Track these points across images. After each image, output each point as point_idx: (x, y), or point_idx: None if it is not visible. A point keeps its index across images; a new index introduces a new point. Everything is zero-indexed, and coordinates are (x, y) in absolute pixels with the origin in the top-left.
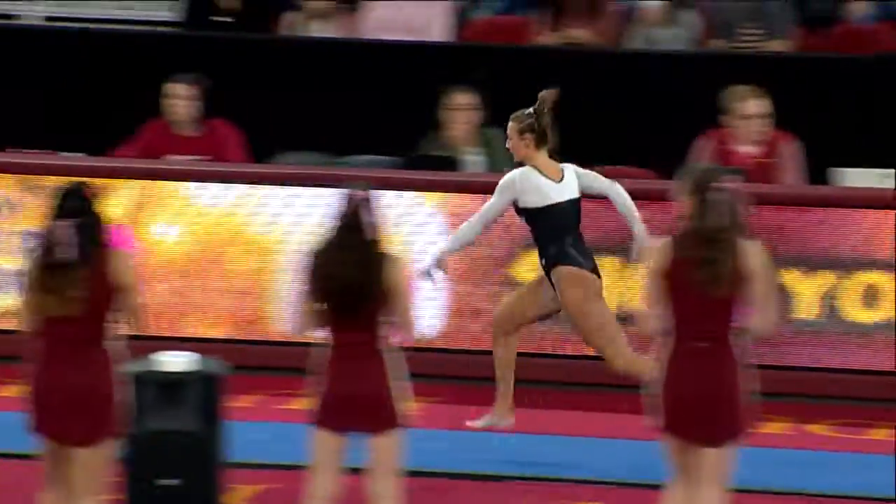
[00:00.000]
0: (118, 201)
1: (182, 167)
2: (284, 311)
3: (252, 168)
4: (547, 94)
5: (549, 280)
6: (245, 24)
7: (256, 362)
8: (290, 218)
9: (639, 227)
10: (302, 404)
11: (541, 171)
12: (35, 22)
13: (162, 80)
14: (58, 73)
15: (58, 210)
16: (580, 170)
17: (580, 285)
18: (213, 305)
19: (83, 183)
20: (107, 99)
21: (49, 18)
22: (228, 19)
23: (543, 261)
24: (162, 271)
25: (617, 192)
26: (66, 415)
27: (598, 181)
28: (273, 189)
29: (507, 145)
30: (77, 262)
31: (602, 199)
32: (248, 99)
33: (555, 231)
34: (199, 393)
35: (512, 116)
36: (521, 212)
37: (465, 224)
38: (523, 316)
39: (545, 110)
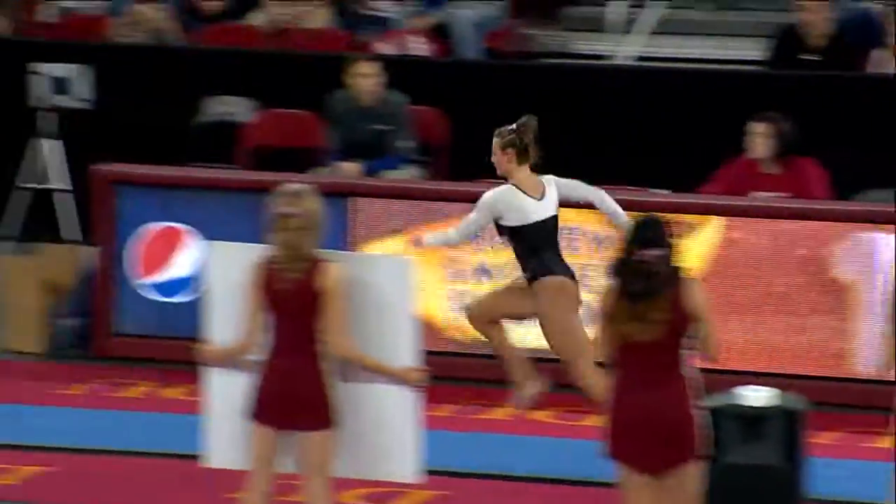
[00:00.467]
0: (704, 237)
1: (765, 204)
2: (868, 348)
3: (833, 205)
4: (528, 120)
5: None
6: (832, 62)
7: (839, 399)
8: (875, 255)
9: (625, 221)
10: (885, 443)
11: (521, 189)
12: (625, 62)
13: (746, 118)
14: (647, 110)
15: (635, 240)
16: (561, 180)
17: (562, 295)
18: (791, 341)
19: (658, 214)
20: (691, 136)
21: (640, 58)
22: (815, 58)
23: (527, 274)
24: (737, 305)
25: (601, 198)
26: (648, 441)
27: (578, 190)
28: (855, 226)
29: (491, 160)
30: (657, 290)
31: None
32: (832, 136)
33: (535, 247)
34: (781, 428)
35: (496, 132)
36: (503, 229)
37: (450, 230)
38: (498, 313)
39: (528, 128)
